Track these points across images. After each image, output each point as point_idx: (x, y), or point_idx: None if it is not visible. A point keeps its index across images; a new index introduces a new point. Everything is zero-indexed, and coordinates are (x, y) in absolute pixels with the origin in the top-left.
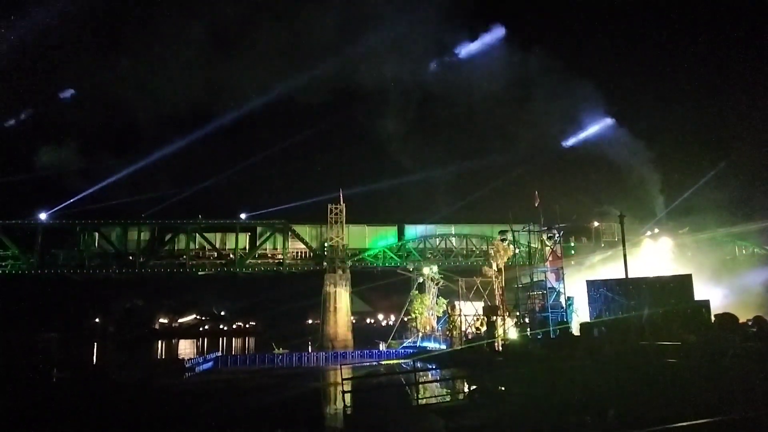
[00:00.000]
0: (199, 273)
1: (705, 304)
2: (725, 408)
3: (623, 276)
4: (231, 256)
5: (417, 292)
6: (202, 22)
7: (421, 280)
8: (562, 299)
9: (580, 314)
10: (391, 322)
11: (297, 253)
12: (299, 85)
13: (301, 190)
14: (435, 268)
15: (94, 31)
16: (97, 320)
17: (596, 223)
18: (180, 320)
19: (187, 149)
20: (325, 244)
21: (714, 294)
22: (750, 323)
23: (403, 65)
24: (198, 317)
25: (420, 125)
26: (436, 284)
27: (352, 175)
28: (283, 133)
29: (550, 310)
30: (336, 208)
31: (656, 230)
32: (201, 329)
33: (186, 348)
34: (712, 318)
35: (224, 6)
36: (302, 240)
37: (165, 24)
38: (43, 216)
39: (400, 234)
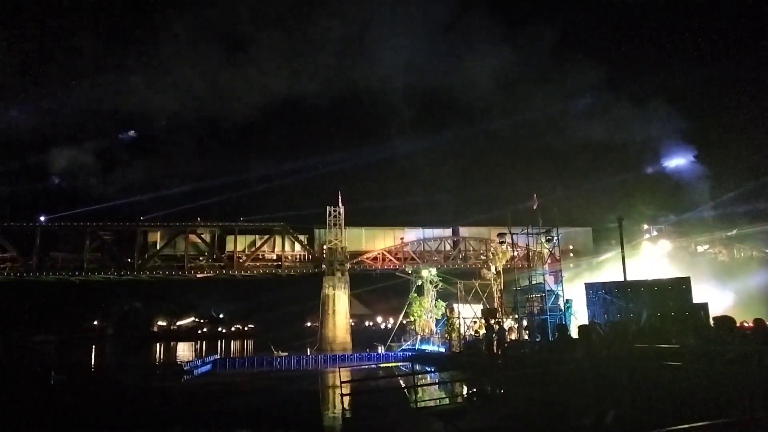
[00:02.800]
0: (198, 276)
1: (704, 307)
2: (724, 411)
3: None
4: (230, 258)
5: (416, 294)
6: (210, 28)
7: (419, 282)
8: (561, 302)
9: (579, 317)
10: (389, 325)
11: (296, 255)
12: (302, 89)
13: (300, 193)
14: (434, 271)
15: (100, 36)
16: (95, 323)
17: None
18: (178, 323)
19: (188, 152)
20: (324, 247)
21: (714, 297)
22: (749, 325)
23: (409, 68)
24: (196, 320)
25: (422, 130)
26: (435, 287)
27: (352, 179)
28: (284, 136)
29: (548, 313)
30: (335, 211)
31: (654, 233)
32: (199, 332)
33: (184, 351)
34: (711, 321)
35: (232, 12)
36: (301, 242)
37: (172, 29)
38: (42, 218)
39: (399, 237)
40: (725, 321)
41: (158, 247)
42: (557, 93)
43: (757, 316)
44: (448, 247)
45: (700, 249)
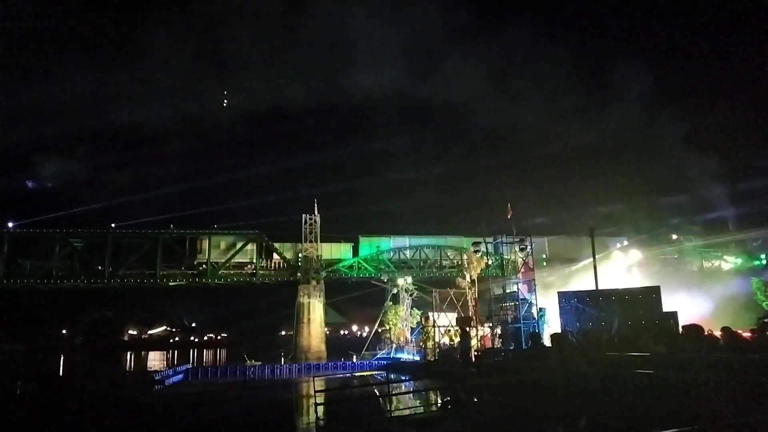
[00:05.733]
0: (170, 284)
1: (673, 316)
2: (693, 418)
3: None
4: (203, 266)
5: (391, 303)
6: (193, 36)
7: (395, 291)
8: (534, 310)
9: (552, 325)
10: (365, 334)
11: (271, 263)
12: (282, 97)
13: (276, 201)
14: (409, 279)
15: (81, 44)
16: (64, 331)
17: (674, 236)
18: (150, 332)
19: (164, 158)
20: (300, 255)
21: (682, 305)
22: (715, 334)
23: (389, 81)
24: (168, 329)
25: (401, 140)
26: (411, 295)
27: (328, 187)
28: (260, 145)
29: (522, 321)
30: (311, 219)
31: (625, 242)
32: (171, 341)
33: (156, 360)
34: (680, 329)
35: (217, 24)
36: (276, 250)
37: (157, 37)
38: (10, 224)
39: (375, 246)
40: (693, 329)
41: (129, 254)
42: (538, 101)
43: (733, 325)
44: (423, 256)
45: (669, 258)
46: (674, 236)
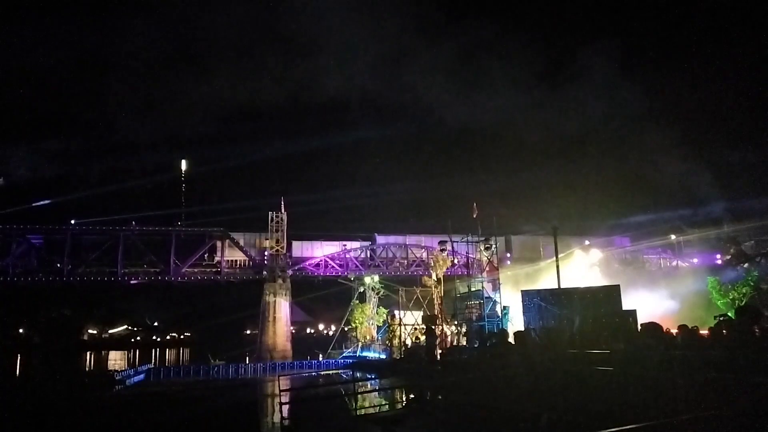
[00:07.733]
0: (132, 282)
1: (632, 314)
2: (650, 413)
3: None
4: (166, 264)
5: (358, 301)
6: (164, 33)
7: (362, 289)
8: (498, 308)
9: (515, 323)
10: (331, 332)
11: (236, 261)
12: (253, 94)
13: (242, 199)
14: (376, 278)
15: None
16: (21, 331)
17: (673, 236)
18: (110, 331)
19: (130, 154)
20: (266, 253)
21: (643, 303)
22: (672, 331)
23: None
24: (129, 328)
25: (369, 139)
26: (377, 294)
27: (296, 187)
28: (229, 141)
29: (486, 319)
30: (277, 217)
31: (585, 242)
32: (133, 340)
33: (117, 360)
34: (639, 327)
35: (188, 21)
36: (241, 248)
37: (129, 33)
38: None
39: (343, 245)
40: (652, 327)
41: (90, 252)
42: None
43: (693, 323)
44: (390, 255)
45: (629, 258)
46: (672, 236)
